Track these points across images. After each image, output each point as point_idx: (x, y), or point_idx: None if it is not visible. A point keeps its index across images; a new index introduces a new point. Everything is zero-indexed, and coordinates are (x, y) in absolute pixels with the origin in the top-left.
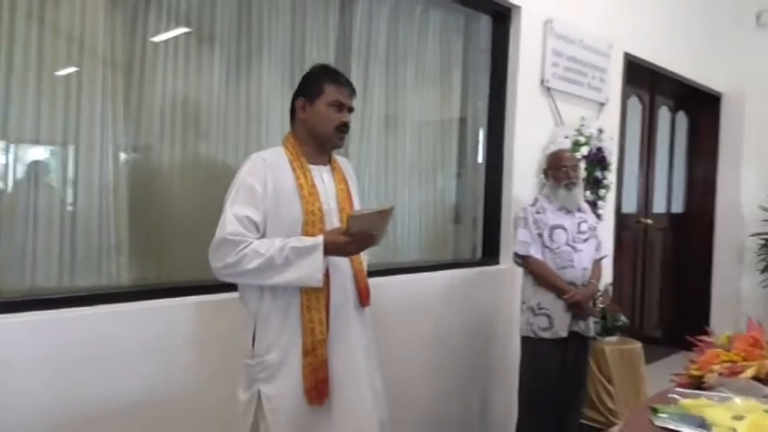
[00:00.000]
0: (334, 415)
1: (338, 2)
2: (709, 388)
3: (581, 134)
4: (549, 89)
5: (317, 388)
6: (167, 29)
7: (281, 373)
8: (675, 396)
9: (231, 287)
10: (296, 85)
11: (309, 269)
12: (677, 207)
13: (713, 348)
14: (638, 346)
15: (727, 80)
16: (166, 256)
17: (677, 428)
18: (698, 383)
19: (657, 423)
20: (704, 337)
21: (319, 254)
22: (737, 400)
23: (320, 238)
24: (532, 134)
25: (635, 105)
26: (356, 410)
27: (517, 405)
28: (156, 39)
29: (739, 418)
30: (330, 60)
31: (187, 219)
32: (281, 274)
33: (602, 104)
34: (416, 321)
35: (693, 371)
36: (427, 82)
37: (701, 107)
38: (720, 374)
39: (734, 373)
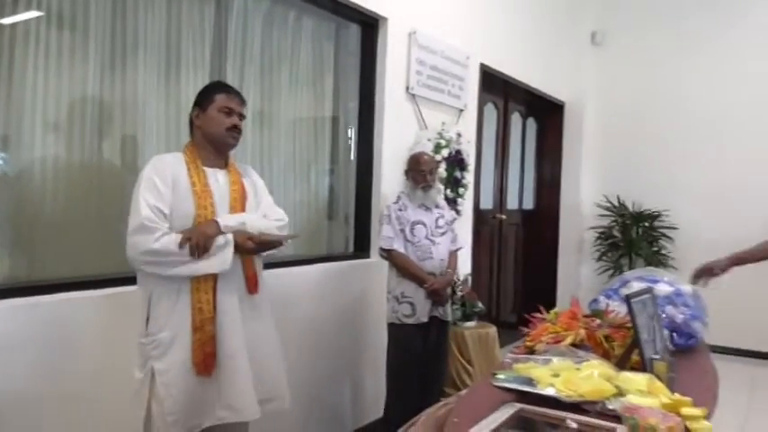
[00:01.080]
0: (221, 386)
1: (213, 1)
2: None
3: (442, 137)
4: (413, 95)
5: (206, 361)
6: (37, 23)
7: (173, 350)
8: (511, 362)
9: (106, 283)
10: (171, 83)
11: (220, 262)
12: (528, 204)
13: (544, 323)
14: (493, 329)
15: (569, 91)
16: (36, 252)
17: (510, 386)
18: (531, 352)
19: (496, 384)
20: (537, 315)
21: (230, 249)
22: (556, 361)
23: (231, 236)
24: (399, 136)
25: (491, 111)
26: (238, 383)
27: (385, 386)
28: (25, 35)
29: (556, 375)
30: (205, 59)
31: (57, 215)
32: (197, 264)
33: (461, 110)
34: (293, 311)
35: (528, 342)
36: (301, 83)
37: (547, 114)
38: (548, 343)
39: (557, 341)
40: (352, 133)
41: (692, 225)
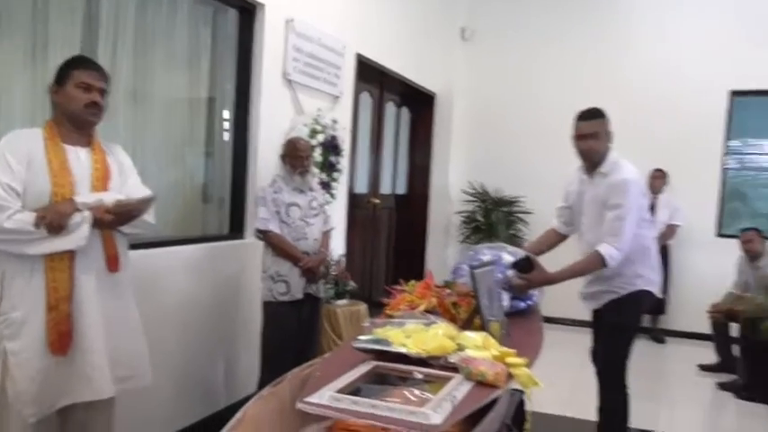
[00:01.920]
0: (76, 364)
1: None
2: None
3: (318, 123)
4: (290, 81)
5: (61, 341)
6: None
7: (26, 329)
8: (371, 327)
9: None
10: (38, 61)
11: (76, 238)
12: (401, 189)
13: (403, 294)
14: (363, 307)
15: (440, 83)
16: None
17: (368, 346)
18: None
19: (356, 346)
20: (397, 287)
21: (87, 226)
22: (408, 325)
23: (87, 214)
24: (275, 121)
25: (366, 100)
26: (93, 362)
27: (260, 363)
28: None
29: (409, 336)
30: (76, 39)
31: None
32: (51, 242)
33: (336, 97)
34: (166, 291)
35: (388, 310)
36: (176, 64)
37: (420, 104)
38: (404, 310)
39: (412, 308)
40: (228, 116)
41: (544, 210)
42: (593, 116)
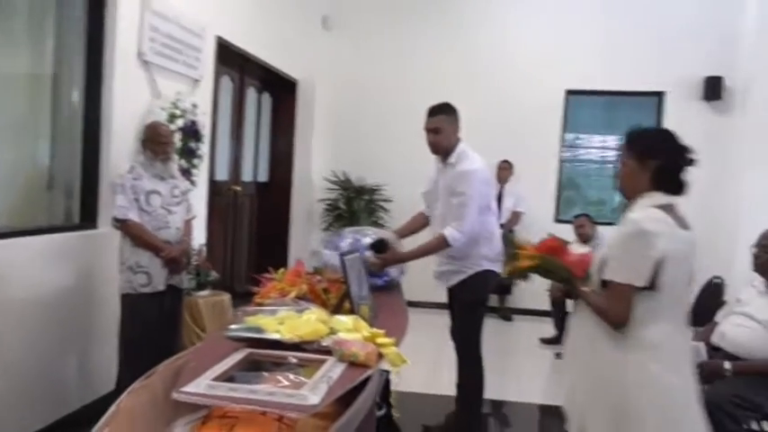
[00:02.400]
0: None
1: None
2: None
3: (176, 107)
4: (146, 62)
5: None
6: None
7: None
8: (242, 315)
9: None
10: None
11: None
12: (263, 176)
13: (272, 282)
14: (227, 297)
15: (302, 70)
16: None
17: (241, 335)
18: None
19: (228, 335)
20: (266, 275)
21: None
22: (281, 312)
23: None
24: (131, 103)
25: (227, 84)
26: None
27: (118, 359)
28: None
29: (282, 322)
30: None
31: None
32: None
33: (196, 81)
34: (8, 287)
35: (258, 299)
36: (17, 37)
37: (282, 90)
38: (275, 298)
39: (283, 295)
40: (77, 97)
41: (404, 198)
42: (437, 112)
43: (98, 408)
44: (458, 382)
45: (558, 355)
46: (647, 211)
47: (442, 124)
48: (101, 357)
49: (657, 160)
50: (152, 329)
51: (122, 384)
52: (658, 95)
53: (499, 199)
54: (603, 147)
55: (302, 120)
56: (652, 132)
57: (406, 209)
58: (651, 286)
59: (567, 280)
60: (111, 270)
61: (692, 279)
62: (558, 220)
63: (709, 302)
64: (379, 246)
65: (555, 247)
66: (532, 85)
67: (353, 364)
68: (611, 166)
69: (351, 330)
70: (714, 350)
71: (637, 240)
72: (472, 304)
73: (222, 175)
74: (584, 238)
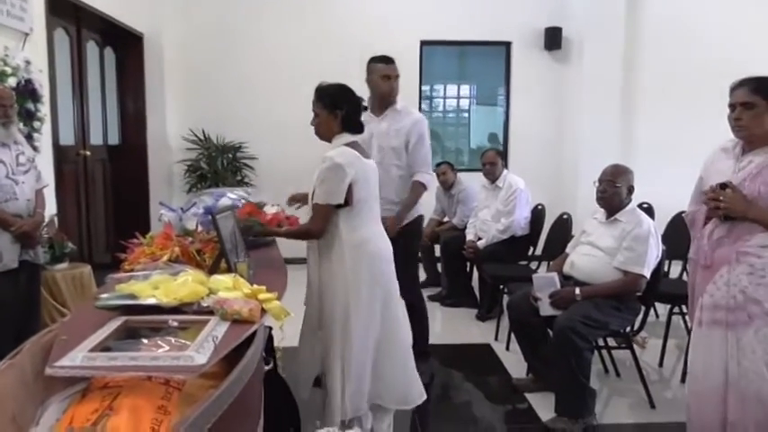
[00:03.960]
0: None
1: None
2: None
3: (7, 65)
4: None
5: None
6: None
7: None
8: (112, 283)
9: None
10: None
11: None
12: (114, 139)
13: (141, 247)
14: (87, 269)
15: (148, 22)
16: None
17: (113, 303)
18: None
19: (99, 305)
20: (134, 241)
21: None
22: (154, 276)
23: None
24: None
25: (62, 38)
26: None
27: None
28: None
29: (157, 287)
30: None
31: None
32: None
33: (26, 34)
34: None
35: (126, 266)
36: None
37: (126, 45)
38: (146, 263)
39: (155, 260)
40: None
41: (269, 154)
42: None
43: None
44: None
45: (432, 298)
46: (339, 149)
47: (398, 72)
48: None
49: (343, 109)
50: (8, 310)
51: None
52: (506, 45)
53: None
54: (458, 96)
55: (152, 76)
56: (336, 87)
57: (272, 166)
58: (348, 203)
59: (263, 231)
60: None
61: (377, 196)
62: None
63: (559, 236)
64: None
65: (251, 211)
66: (388, 37)
67: (237, 321)
68: (466, 115)
69: (231, 289)
70: (566, 279)
71: (332, 171)
72: None
73: (68, 139)
74: (447, 185)
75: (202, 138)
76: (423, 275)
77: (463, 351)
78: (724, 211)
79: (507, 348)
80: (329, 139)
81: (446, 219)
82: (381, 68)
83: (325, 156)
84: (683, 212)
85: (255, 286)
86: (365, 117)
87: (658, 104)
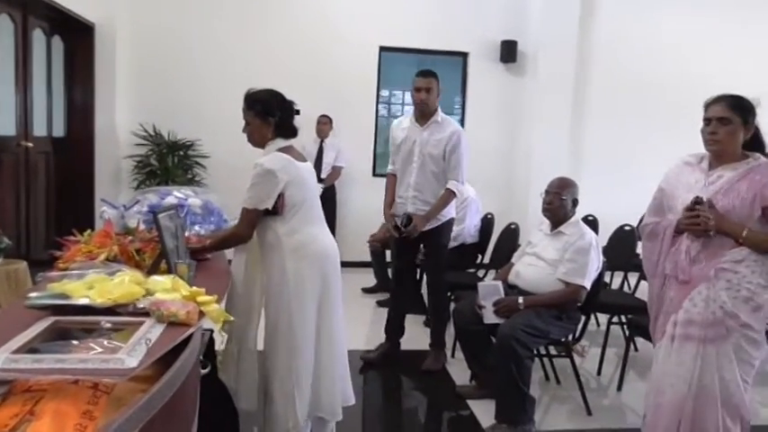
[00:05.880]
0: None
1: None
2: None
3: None
4: None
5: None
6: None
7: None
8: (44, 282)
9: None
10: None
11: None
12: (59, 131)
13: (78, 245)
14: (23, 265)
15: (99, 12)
16: None
17: (44, 302)
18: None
19: (28, 304)
20: (71, 238)
21: None
22: (89, 275)
23: None
24: None
25: (6, 24)
26: None
27: None
28: None
29: (91, 287)
30: None
31: None
32: None
33: None
34: None
35: (61, 264)
36: None
37: (76, 35)
38: (83, 262)
39: (92, 258)
40: None
41: (221, 153)
42: (429, 74)
43: None
44: None
45: (381, 303)
46: (271, 155)
47: (432, 85)
48: None
49: (276, 116)
50: None
51: None
52: (463, 56)
53: (320, 153)
54: None
55: (102, 68)
56: (266, 94)
57: (222, 163)
58: (277, 211)
59: (193, 250)
60: None
61: (316, 196)
62: (376, 175)
63: (507, 245)
64: (408, 220)
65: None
66: (347, 41)
67: (174, 324)
68: None
69: (169, 290)
70: (511, 288)
71: (263, 177)
72: None
73: (8, 129)
74: None
75: (153, 133)
76: (373, 281)
77: (410, 357)
78: (706, 227)
79: (453, 355)
80: (262, 146)
81: None
82: (415, 81)
83: (257, 162)
84: (625, 225)
85: (195, 288)
86: (408, 125)
87: (606, 120)
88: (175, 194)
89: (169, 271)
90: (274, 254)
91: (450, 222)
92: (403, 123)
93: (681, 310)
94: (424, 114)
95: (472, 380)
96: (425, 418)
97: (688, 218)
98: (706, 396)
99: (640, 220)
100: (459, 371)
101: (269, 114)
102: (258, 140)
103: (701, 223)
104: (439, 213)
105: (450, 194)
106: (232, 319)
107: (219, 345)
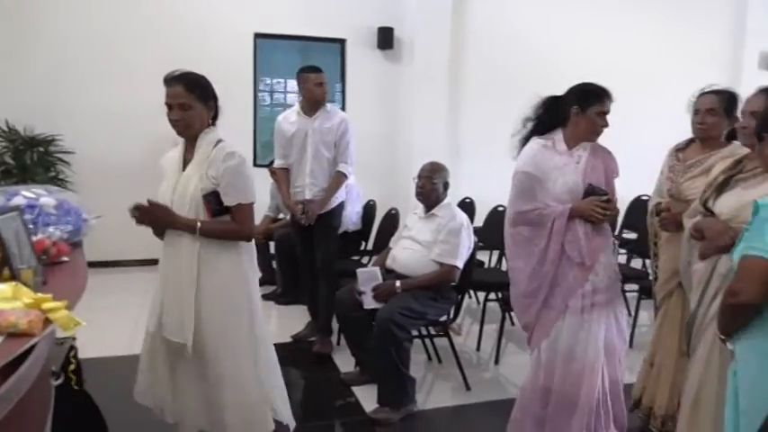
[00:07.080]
0: None
1: None
2: None
3: None
4: None
5: None
6: None
7: None
8: None
9: None
10: None
11: None
12: None
13: None
14: None
15: None
16: None
17: None
18: None
19: None
20: None
21: None
22: None
23: None
24: None
25: None
26: None
27: None
28: None
29: None
30: None
31: None
32: None
33: None
34: None
35: None
36: None
37: None
38: None
39: None
40: None
41: (87, 149)
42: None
43: None
44: None
45: (266, 297)
46: (229, 143)
47: (325, 79)
48: None
49: (214, 101)
50: None
51: None
52: (341, 42)
53: None
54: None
55: None
56: (203, 78)
57: (90, 159)
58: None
59: None
60: None
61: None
62: (257, 165)
63: (389, 230)
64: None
65: None
66: (221, 29)
67: (14, 335)
68: None
69: (9, 299)
70: (389, 272)
71: (244, 166)
72: None
73: None
74: None
75: (6, 129)
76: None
77: (297, 348)
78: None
79: (338, 343)
80: (196, 134)
81: (280, 216)
82: (314, 77)
83: (230, 152)
84: (499, 206)
85: (40, 295)
86: (297, 118)
87: (480, 105)
88: (24, 194)
89: (13, 278)
90: (223, 253)
91: (340, 206)
92: (290, 117)
93: (587, 283)
94: (313, 106)
95: (356, 366)
96: (311, 407)
97: (600, 208)
98: (610, 354)
99: None
100: (345, 358)
101: (209, 99)
102: (200, 127)
103: (614, 214)
104: (333, 195)
105: (342, 176)
106: (83, 323)
107: (85, 352)
